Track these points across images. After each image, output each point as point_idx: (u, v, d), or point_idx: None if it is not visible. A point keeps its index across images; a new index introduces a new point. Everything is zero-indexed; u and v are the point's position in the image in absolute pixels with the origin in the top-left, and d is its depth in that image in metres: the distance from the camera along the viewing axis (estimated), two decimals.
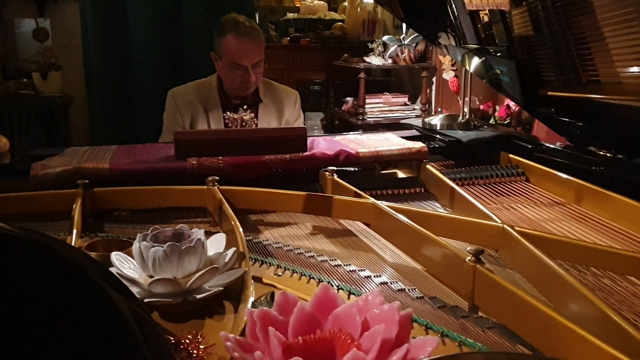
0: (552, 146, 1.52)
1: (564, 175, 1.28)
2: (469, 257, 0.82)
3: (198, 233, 0.86)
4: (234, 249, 0.88)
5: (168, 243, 0.81)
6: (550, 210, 1.21)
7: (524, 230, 0.95)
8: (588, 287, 0.74)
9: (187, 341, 0.68)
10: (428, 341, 0.64)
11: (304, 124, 2.10)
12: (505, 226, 0.96)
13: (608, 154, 1.37)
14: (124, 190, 1.21)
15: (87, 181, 1.19)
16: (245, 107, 1.91)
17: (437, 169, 1.38)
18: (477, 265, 0.80)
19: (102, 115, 3.49)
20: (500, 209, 1.21)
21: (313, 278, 0.92)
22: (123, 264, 0.86)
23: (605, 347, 0.60)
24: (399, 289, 0.89)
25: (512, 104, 2.31)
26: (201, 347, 0.68)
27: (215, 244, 0.91)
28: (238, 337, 0.65)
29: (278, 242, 1.07)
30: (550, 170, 1.33)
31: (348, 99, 3.76)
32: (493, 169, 1.41)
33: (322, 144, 1.43)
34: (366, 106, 3.58)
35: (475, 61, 1.64)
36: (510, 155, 1.47)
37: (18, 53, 3.53)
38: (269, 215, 1.23)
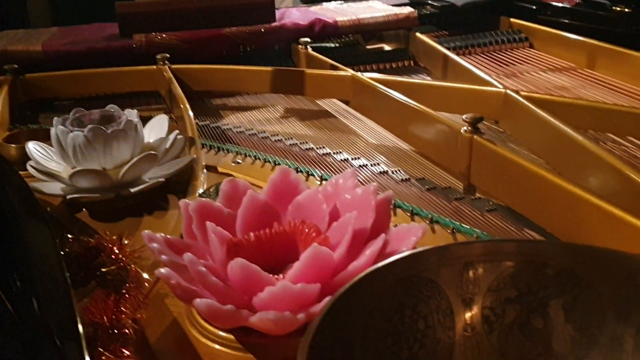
0: (559, 4, 1.32)
1: (574, 36, 1.11)
2: (465, 127, 0.66)
3: (130, 114, 0.70)
4: (177, 132, 0.72)
5: (89, 126, 0.65)
6: (560, 76, 1.04)
7: (530, 94, 0.79)
8: (613, 155, 0.59)
9: (110, 245, 0.54)
10: (412, 230, 0.50)
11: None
12: (508, 91, 0.80)
13: (626, 9, 1.18)
14: (60, 75, 1.03)
15: (15, 66, 1.01)
16: None
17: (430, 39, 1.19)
18: (475, 136, 0.65)
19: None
20: (501, 78, 1.04)
21: (279, 164, 0.77)
22: (42, 156, 0.71)
23: None
24: (380, 172, 0.74)
25: None
26: (127, 250, 0.54)
27: (156, 129, 0.75)
28: (168, 237, 0.51)
29: (240, 127, 0.91)
30: (557, 32, 1.15)
31: None
32: (492, 35, 1.22)
33: (294, 14, 1.24)
34: None
35: None
36: (512, 20, 1.28)
37: None
38: (232, 98, 1.06)
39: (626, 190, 0.55)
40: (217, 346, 0.46)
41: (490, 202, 0.64)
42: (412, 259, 0.37)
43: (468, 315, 0.38)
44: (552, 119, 0.68)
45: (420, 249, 0.39)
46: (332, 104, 1.02)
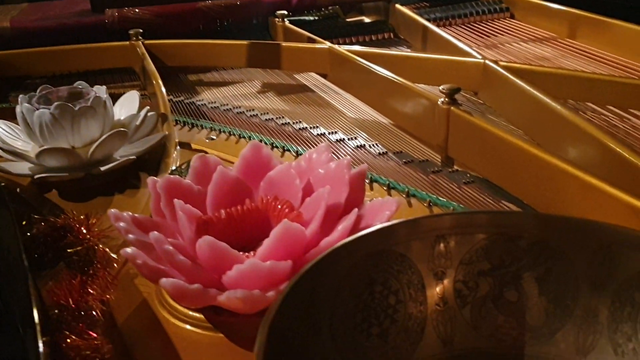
0: None
1: (555, 6, 1.09)
2: (442, 99, 0.65)
3: (99, 91, 0.68)
4: (147, 108, 0.70)
5: (55, 103, 0.63)
6: (541, 46, 1.03)
7: (509, 64, 0.78)
8: (593, 124, 0.58)
9: (77, 225, 0.53)
10: (386, 204, 0.48)
11: None
12: (486, 62, 0.78)
13: None
14: (30, 52, 1.00)
15: None
16: None
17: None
18: (452, 108, 0.64)
19: None
20: (482, 49, 1.03)
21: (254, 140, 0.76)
22: (8, 134, 0.68)
23: (622, 196, 0.45)
24: (357, 146, 0.73)
25: None
26: (95, 230, 0.52)
27: (127, 106, 0.73)
28: (136, 215, 0.49)
29: (214, 102, 0.89)
30: (538, 1, 1.14)
31: None
32: (473, 5, 1.20)
33: None
34: None
35: None
36: None
37: None
38: (208, 74, 1.04)
39: (605, 160, 0.54)
40: (187, 326, 0.45)
41: (468, 175, 0.63)
42: (381, 233, 0.36)
43: (440, 289, 0.37)
44: (531, 89, 0.67)
45: (389, 222, 0.38)
46: (310, 78, 1.00)
